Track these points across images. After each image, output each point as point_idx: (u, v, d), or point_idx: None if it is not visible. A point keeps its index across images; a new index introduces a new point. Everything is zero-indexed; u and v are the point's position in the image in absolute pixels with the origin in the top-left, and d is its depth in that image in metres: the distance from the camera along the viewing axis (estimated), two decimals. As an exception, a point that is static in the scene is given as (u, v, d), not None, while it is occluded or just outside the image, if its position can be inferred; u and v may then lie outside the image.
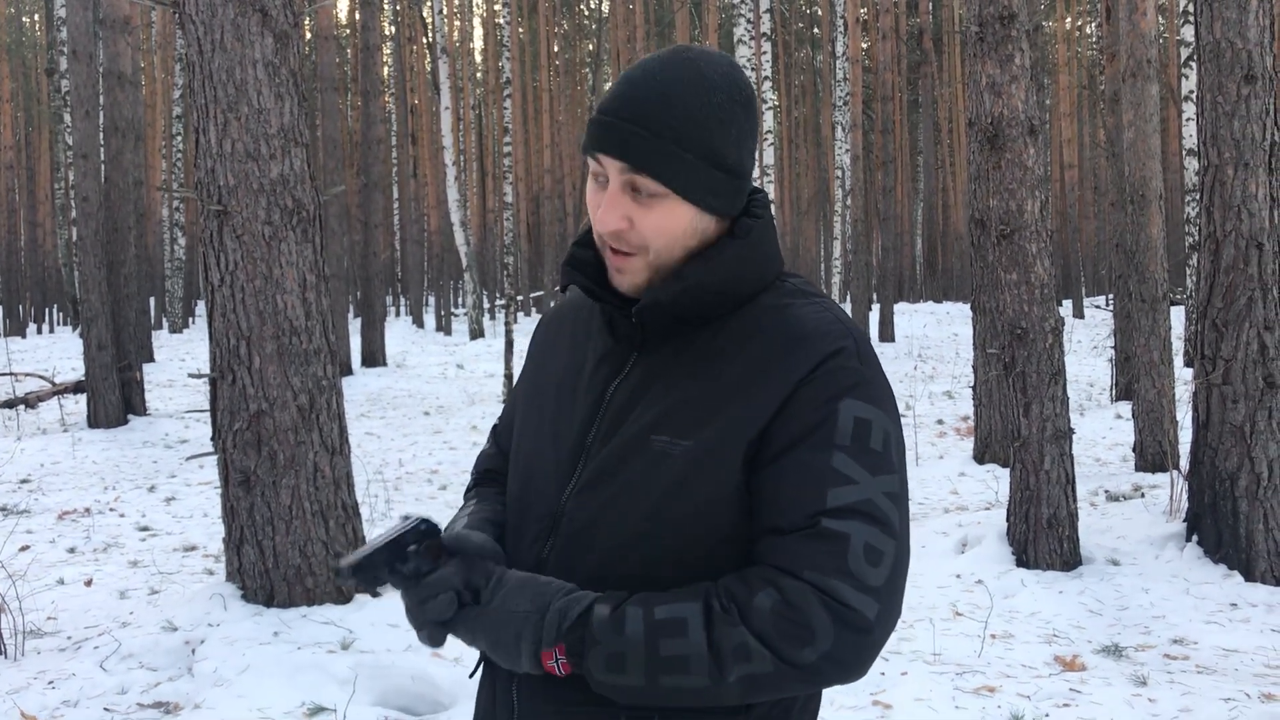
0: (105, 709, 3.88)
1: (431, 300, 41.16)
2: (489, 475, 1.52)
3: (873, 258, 24.80)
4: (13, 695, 4.00)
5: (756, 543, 1.18)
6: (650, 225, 1.22)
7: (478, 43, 49.72)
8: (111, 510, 7.61)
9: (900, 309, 27.61)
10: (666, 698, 1.14)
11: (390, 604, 4.69)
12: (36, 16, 45.73)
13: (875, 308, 24.80)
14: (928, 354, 19.64)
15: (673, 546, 1.20)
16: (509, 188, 20.20)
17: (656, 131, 1.20)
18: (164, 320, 30.63)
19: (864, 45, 28.14)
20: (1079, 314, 28.58)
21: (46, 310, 40.63)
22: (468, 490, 1.53)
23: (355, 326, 20.80)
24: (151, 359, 18.05)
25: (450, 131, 23.70)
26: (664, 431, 1.21)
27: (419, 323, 33.51)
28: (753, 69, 14.36)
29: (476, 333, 25.39)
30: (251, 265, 4.68)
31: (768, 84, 18.26)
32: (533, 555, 1.28)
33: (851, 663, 1.13)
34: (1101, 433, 10.32)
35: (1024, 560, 5.60)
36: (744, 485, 1.19)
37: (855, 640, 1.12)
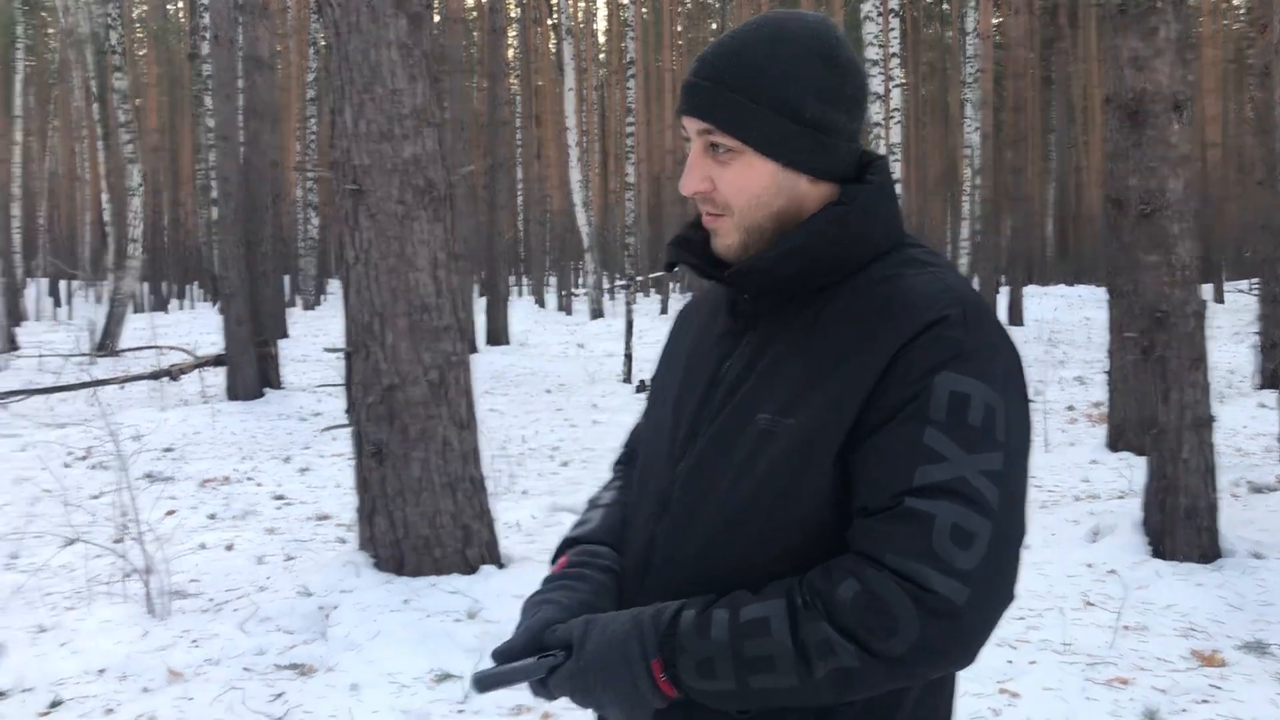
0: (245, 669, 4.05)
1: (553, 280, 41.63)
2: (632, 456, 1.53)
3: (1002, 239, 24.17)
4: (160, 652, 4.21)
5: (850, 526, 1.14)
6: (729, 183, 1.22)
7: (601, 23, 50.03)
8: (249, 479, 7.92)
9: (1030, 292, 26.84)
10: (760, 699, 1.12)
11: (515, 575, 4.78)
12: (180, 3, 47.59)
13: (1004, 290, 24.19)
14: (1059, 338, 19.06)
15: (772, 530, 1.17)
16: (631, 169, 20.26)
17: (728, 85, 1.19)
18: (297, 298, 31.66)
19: (996, 20, 27.35)
20: (1219, 298, 27.37)
21: (187, 287, 42.41)
22: (615, 463, 1.56)
23: (480, 306, 21.19)
24: (285, 335, 18.68)
25: (574, 113, 23.88)
26: (768, 409, 1.19)
27: (540, 302, 33.96)
28: (879, 46, 14.09)
29: (597, 313, 25.60)
30: (385, 244, 4.80)
31: (895, 61, 17.91)
32: (645, 535, 1.29)
33: (945, 652, 1.08)
34: (1243, 422, 9.88)
35: (1160, 551, 5.40)
36: (843, 465, 1.15)
37: (944, 628, 1.06)
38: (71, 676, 4.01)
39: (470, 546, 4.91)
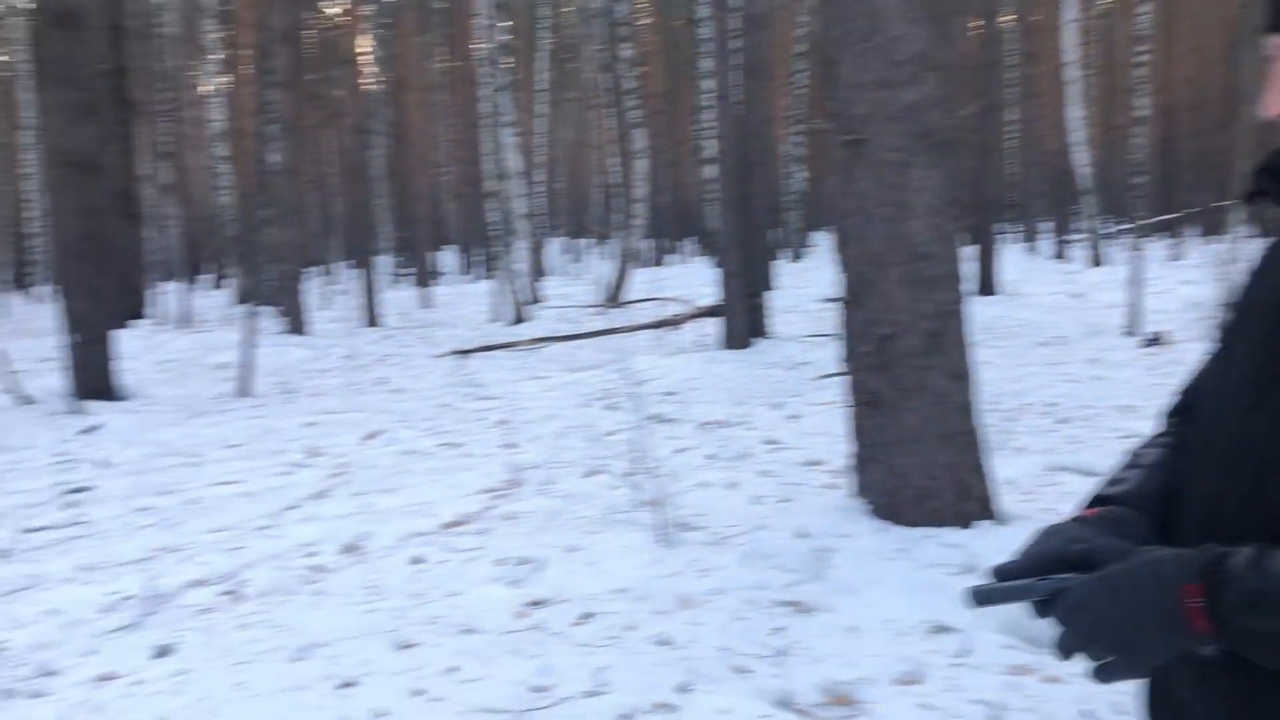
0: (747, 601, 4.27)
1: (1046, 226, 39.36)
2: (1188, 406, 1.40)
3: None
4: (671, 578, 4.56)
5: None
6: None
7: (1104, -53, 45.97)
8: (742, 424, 8.30)
9: None
10: None
11: (1013, 532, 4.62)
12: (678, -28, 50.33)
13: None
14: None
15: None
16: (1140, 102, 18.56)
17: None
18: (784, 251, 32.59)
19: None
20: None
21: (683, 243, 45.15)
22: (1166, 414, 1.44)
23: (969, 255, 20.58)
24: (772, 287, 19.33)
25: (1074, 46, 22.29)
26: None
27: (1033, 249, 32.29)
28: None
29: (1095, 260, 23.88)
30: (882, 192, 4.78)
31: None
32: (1208, 492, 1.18)
33: None
34: None
35: None
36: None
37: None
38: (597, 593, 4.45)
39: (966, 500, 4.80)
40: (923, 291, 4.79)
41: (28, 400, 10.76)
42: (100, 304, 10.93)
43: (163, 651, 3.98)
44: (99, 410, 9.97)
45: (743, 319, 12.29)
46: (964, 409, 4.89)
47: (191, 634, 4.16)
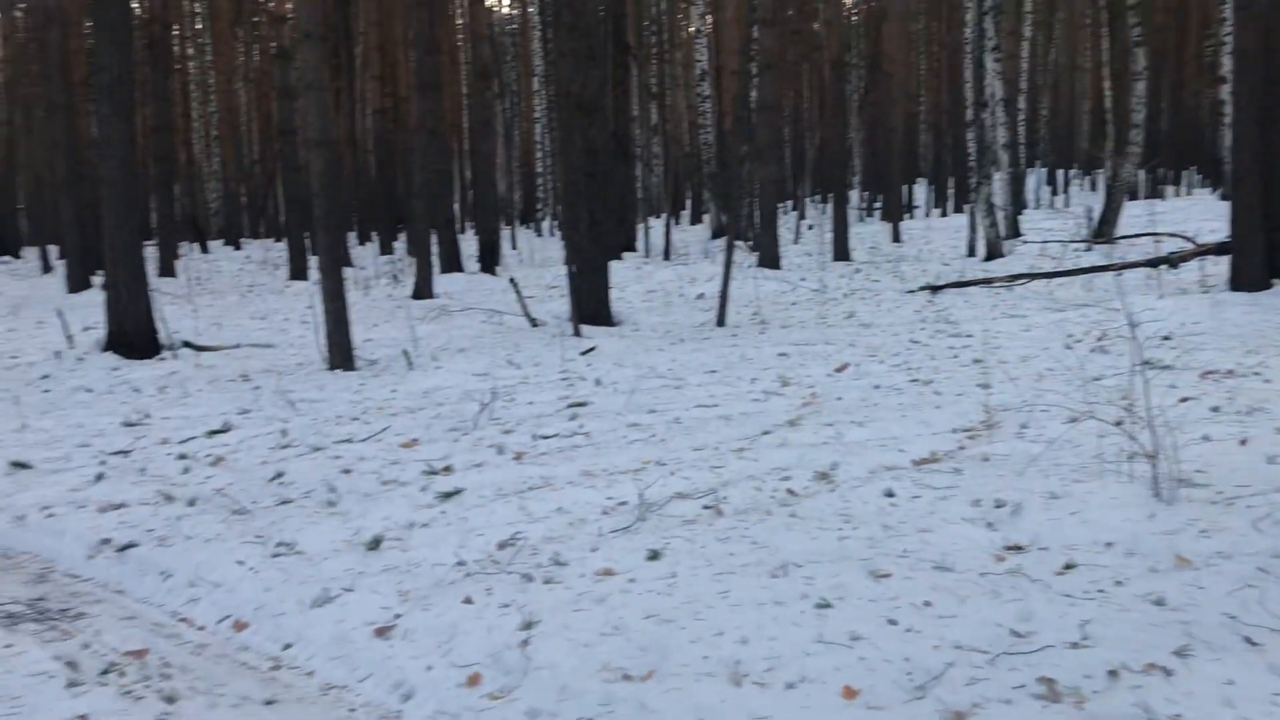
0: (1259, 569, 3.83)
1: None
2: None
3: None
4: (1167, 536, 4.19)
5: None
6: None
7: None
8: (1255, 374, 7.41)
9: None
10: None
11: None
12: None
13: None
14: None
15: None
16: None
17: None
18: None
19: None
20: None
21: (1184, 172, 40.91)
22: None
23: None
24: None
25: None
26: None
27: None
28: None
29: None
30: None
31: None
32: None
33: None
34: None
35: None
36: None
37: None
38: (1081, 544, 4.20)
39: None
40: None
41: (536, 323, 12.02)
42: (597, 238, 11.92)
43: (654, 555, 4.30)
44: (594, 334, 10.94)
45: (1260, 257, 10.92)
46: None
47: (678, 542, 4.46)
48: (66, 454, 6.76)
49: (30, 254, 28.61)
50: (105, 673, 3.72)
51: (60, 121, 20.22)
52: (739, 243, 18.69)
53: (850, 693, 3.15)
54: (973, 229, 20.09)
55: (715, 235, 26.06)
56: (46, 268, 24.92)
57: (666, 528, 4.67)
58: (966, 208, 23.86)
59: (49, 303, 15.64)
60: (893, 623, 3.57)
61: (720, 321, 11.74)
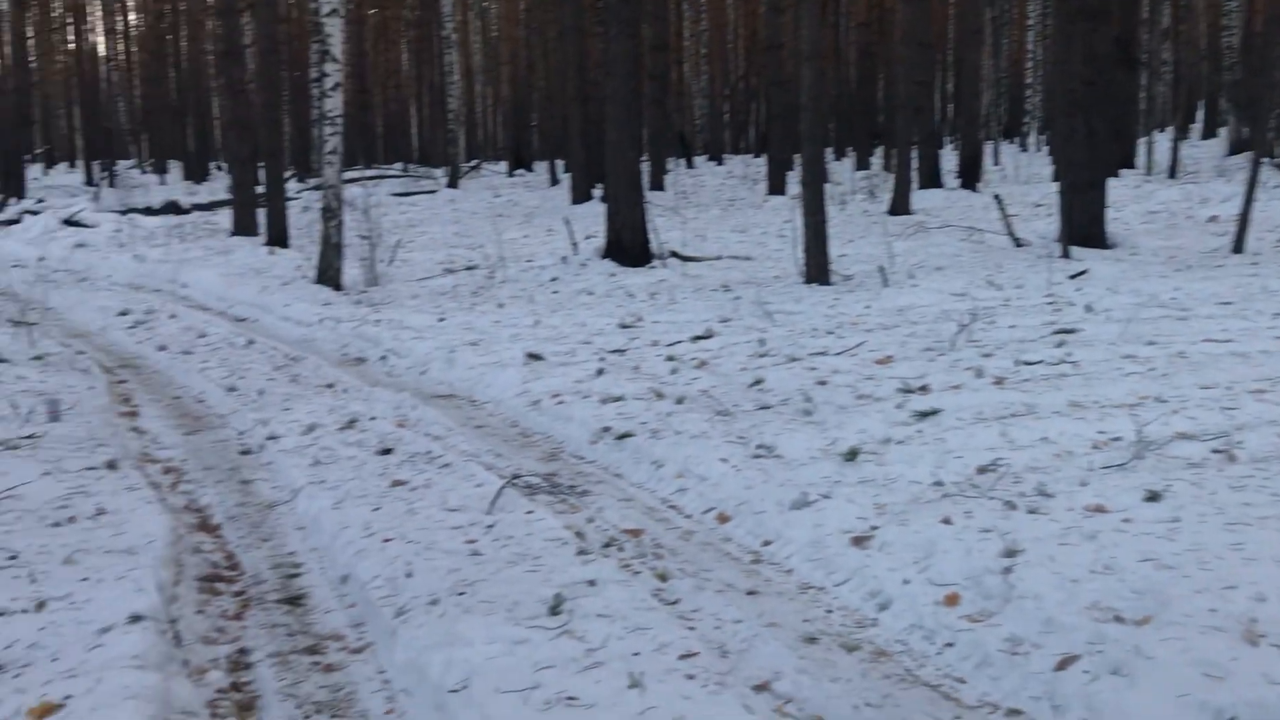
0: None
1: None
2: None
3: None
4: None
5: None
6: None
7: None
8: None
9: None
10: None
11: None
12: None
13: None
14: None
15: None
16: None
17: None
18: None
19: None
20: None
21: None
22: None
23: None
24: None
25: None
26: None
27: None
28: None
29: None
30: None
31: None
32: None
33: None
34: None
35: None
36: None
37: None
38: None
39: None
40: None
41: (1020, 243, 11.42)
42: (1094, 152, 11.04)
43: (1153, 496, 3.96)
44: (1086, 256, 10.19)
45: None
46: None
47: (1181, 485, 4.08)
48: (571, 349, 7.45)
49: (540, 168, 31.55)
50: (607, 545, 4.10)
51: (572, 43, 21.93)
52: (1266, 160, 16.51)
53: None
54: None
55: (1233, 151, 23.22)
56: (554, 180, 27.36)
57: (1168, 469, 4.28)
58: None
59: (556, 212, 17.20)
60: None
61: (1237, 248, 10.47)
